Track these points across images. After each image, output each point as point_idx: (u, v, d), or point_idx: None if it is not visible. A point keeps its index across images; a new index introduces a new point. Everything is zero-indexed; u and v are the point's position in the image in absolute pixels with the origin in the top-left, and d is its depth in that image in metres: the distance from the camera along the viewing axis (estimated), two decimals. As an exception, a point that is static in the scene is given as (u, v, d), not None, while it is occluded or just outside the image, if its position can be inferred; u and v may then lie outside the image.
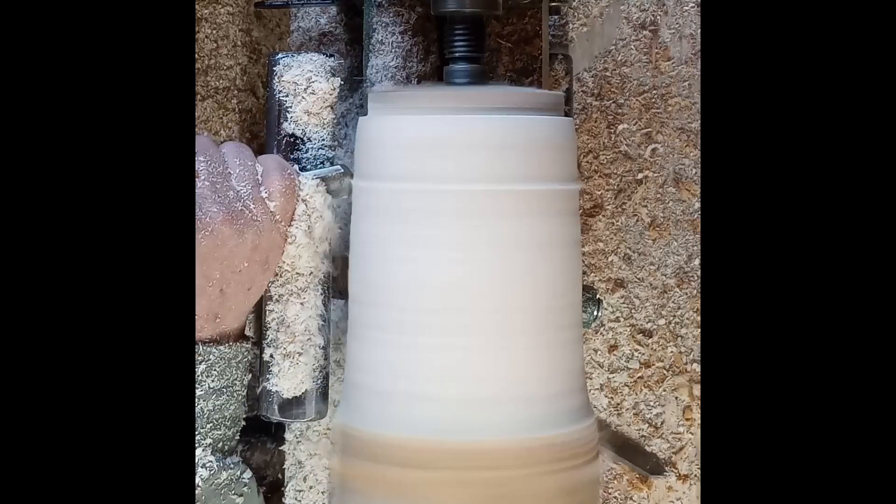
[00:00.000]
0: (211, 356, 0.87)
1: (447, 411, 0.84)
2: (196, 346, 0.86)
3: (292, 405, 0.92)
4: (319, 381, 0.93)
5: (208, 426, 0.87)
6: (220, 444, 0.88)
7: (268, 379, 0.92)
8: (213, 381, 0.87)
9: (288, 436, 1.07)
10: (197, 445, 0.87)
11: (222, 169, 0.87)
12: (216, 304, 0.86)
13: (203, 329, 0.87)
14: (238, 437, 0.90)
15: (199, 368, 0.86)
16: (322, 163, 0.93)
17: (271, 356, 0.91)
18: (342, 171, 0.92)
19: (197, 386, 0.86)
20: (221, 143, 0.91)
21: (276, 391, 0.92)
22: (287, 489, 1.07)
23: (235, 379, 0.89)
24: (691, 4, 1.15)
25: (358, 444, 0.86)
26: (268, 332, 0.91)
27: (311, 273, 0.91)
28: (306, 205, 0.89)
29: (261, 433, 1.07)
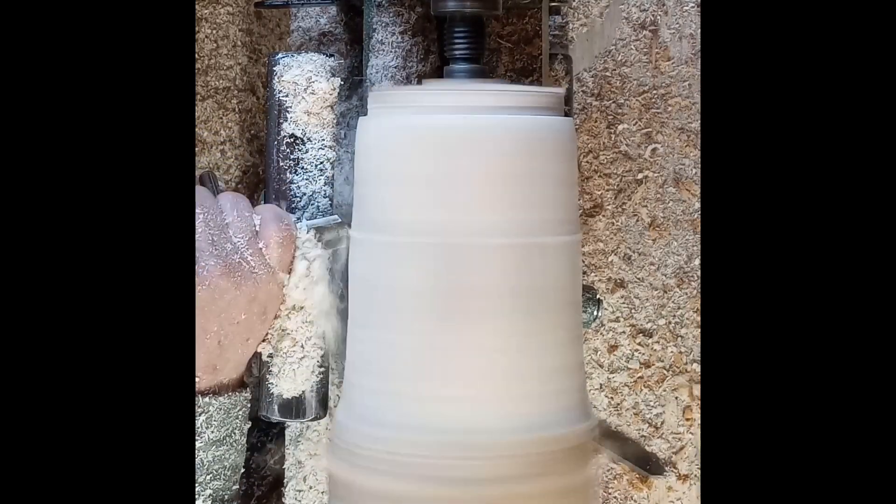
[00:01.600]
0: (210, 408, 0.87)
1: (441, 411, 0.84)
2: (195, 399, 0.86)
3: (292, 405, 0.92)
4: (319, 382, 0.93)
5: (208, 477, 0.88)
6: (220, 495, 0.88)
7: (267, 379, 0.92)
8: (212, 432, 0.88)
9: (288, 436, 1.07)
10: (197, 497, 0.87)
11: (219, 220, 0.87)
12: (214, 356, 0.87)
13: (201, 380, 0.87)
14: (237, 486, 0.91)
15: (199, 420, 0.87)
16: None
17: (270, 356, 0.91)
18: (339, 221, 0.92)
19: (197, 438, 0.87)
20: (219, 193, 0.91)
21: (276, 391, 0.92)
22: (287, 489, 1.07)
23: (235, 428, 0.89)
24: (691, 4, 1.15)
25: (352, 442, 0.86)
26: (268, 332, 0.92)
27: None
28: (304, 257, 0.90)
29: (261, 434, 1.07)
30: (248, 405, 0.91)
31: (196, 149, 1.15)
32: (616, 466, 1.14)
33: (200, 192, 0.88)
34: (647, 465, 1.16)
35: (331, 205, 0.95)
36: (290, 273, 0.89)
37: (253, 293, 0.87)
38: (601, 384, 1.16)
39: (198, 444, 0.87)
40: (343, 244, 0.92)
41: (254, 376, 0.92)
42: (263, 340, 0.90)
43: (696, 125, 1.15)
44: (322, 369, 0.93)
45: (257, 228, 0.89)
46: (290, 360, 0.91)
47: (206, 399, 0.87)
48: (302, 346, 0.90)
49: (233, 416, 0.89)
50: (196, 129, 1.14)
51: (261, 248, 0.88)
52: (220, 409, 0.88)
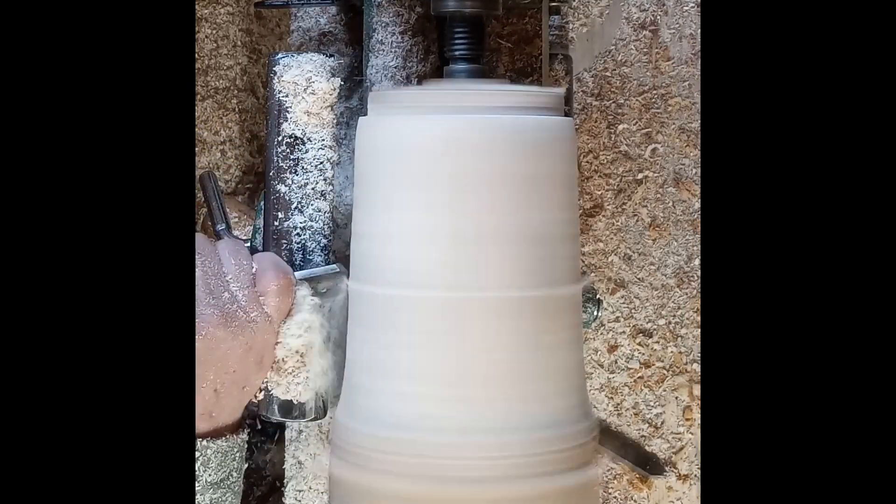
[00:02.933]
0: (208, 451, 0.88)
1: (442, 411, 0.84)
2: (195, 443, 0.87)
3: (292, 405, 0.92)
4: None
5: None
6: None
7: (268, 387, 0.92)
8: (209, 475, 0.88)
9: (288, 436, 1.07)
10: None
11: (217, 269, 0.88)
12: (211, 404, 0.87)
13: (198, 426, 0.87)
14: None
15: (197, 463, 0.87)
16: (319, 182, 0.93)
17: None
18: (336, 271, 0.92)
19: (195, 480, 0.87)
20: (217, 241, 0.91)
21: (276, 393, 0.92)
22: (287, 489, 1.07)
23: (232, 470, 0.89)
24: (691, 4, 1.15)
25: (352, 442, 0.86)
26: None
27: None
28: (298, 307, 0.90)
29: (261, 435, 1.07)
30: (245, 446, 0.91)
31: (196, 149, 1.15)
32: (616, 466, 1.14)
33: (199, 239, 0.88)
34: (647, 465, 1.16)
35: (331, 255, 0.95)
36: (286, 320, 0.90)
37: (250, 343, 0.87)
38: (601, 384, 1.16)
39: (196, 487, 0.87)
40: (341, 294, 0.92)
41: (250, 419, 0.92)
42: (260, 390, 0.91)
43: (696, 125, 1.15)
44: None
45: (255, 276, 0.89)
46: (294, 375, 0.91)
47: (204, 442, 0.87)
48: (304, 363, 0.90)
49: (230, 459, 0.89)
50: (196, 129, 1.14)
51: (258, 297, 0.88)
52: (218, 453, 0.88)
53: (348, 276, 0.90)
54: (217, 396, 0.87)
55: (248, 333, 0.87)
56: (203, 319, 0.85)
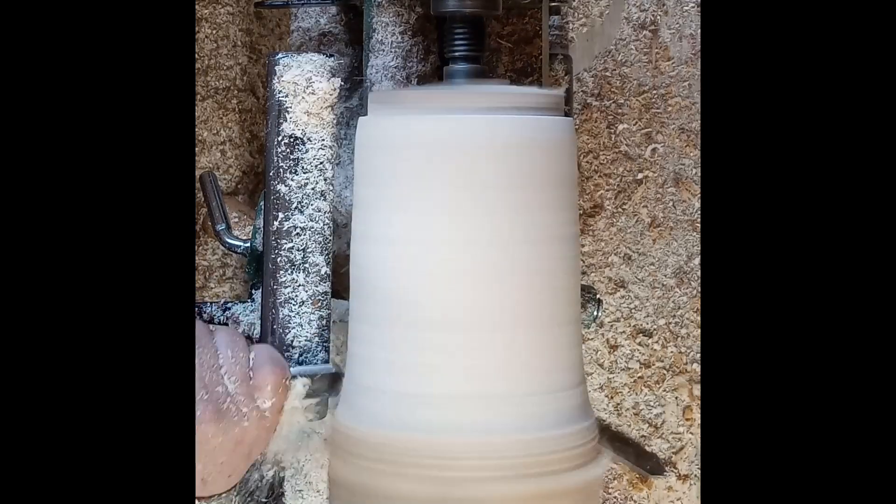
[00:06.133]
0: None
1: (442, 410, 0.84)
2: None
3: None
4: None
5: None
6: None
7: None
8: None
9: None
10: None
11: (213, 361, 0.87)
12: (197, 489, 0.87)
13: None
14: None
15: None
16: (319, 182, 0.93)
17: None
18: (332, 371, 0.92)
19: None
20: (215, 328, 0.91)
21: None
22: (287, 489, 1.07)
23: None
24: (691, 4, 1.15)
25: (355, 443, 0.86)
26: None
27: None
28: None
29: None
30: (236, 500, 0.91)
31: (196, 149, 1.15)
32: (616, 466, 1.14)
33: (198, 328, 0.87)
34: (647, 465, 1.16)
35: (326, 352, 0.95)
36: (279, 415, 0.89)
37: (240, 437, 0.87)
38: (601, 384, 1.16)
39: None
40: (337, 394, 0.91)
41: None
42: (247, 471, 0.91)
43: (696, 125, 1.15)
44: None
45: (251, 370, 0.89)
46: None
47: None
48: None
49: None
50: (196, 129, 1.14)
51: (252, 392, 0.88)
52: None
53: (343, 376, 0.90)
54: (203, 484, 0.87)
55: (239, 430, 0.86)
56: (196, 414, 0.85)
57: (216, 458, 0.86)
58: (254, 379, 0.88)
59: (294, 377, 0.90)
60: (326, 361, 0.93)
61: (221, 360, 0.88)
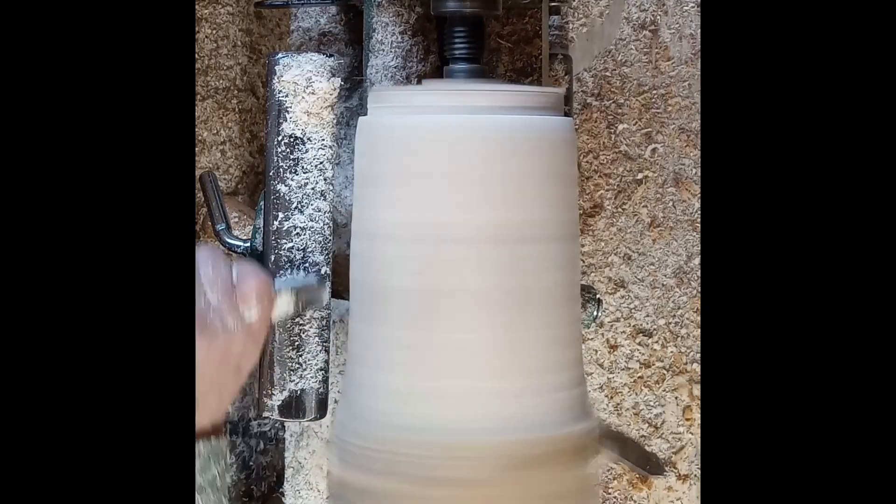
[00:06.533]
0: None
1: (441, 410, 0.84)
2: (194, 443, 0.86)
3: (292, 405, 0.92)
4: (319, 381, 0.93)
5: None
6: None
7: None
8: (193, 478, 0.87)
9: (288, 436, 1.07)
10: None
11: (194, 276, 0.86)
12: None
13: None
14: None
15: None
16: (319, 182, 0.93)
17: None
18: (315, 283, 0.92)
19: None
20: (196, 245, 0.90)
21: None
22: (287, 489, 1.07)
23: (216, 475, 0.88)
24: (691, 4, 1.15)
25: (355, 442, 0.86)
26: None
27: None
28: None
29: (259, 439, 1.07)
30: (228, 450, 0.90)
31: (196, 149, 1.15)
32: (616, 466, 1.14)
33: None
34: (647, 465, 1.16)
35: (317, 272, 0.95)
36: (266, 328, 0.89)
37: (226, 350, 0.86)
38: (601, 384, 1.16)
39: None
40: (322, 304, 0.91)
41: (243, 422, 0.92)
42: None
43: (696, 125, 1.15)
44: (322, 370, 0.93)
45: (234, 282, 0.88)
46: None
47: None
48: None
49: (213, 463, 0.88)
50: (196, 129, 1.14)
51: (236, 304, 0.87)
52: (199, 456, 0.87)
53: (329, 289, 0.90)
54: (195, 402, 0.86)
55: (223, 342, 0.86)
56: None
57: (204, 374, 0.85)
58: (237, 291, 0.87)
59: (278, 290, 0.90)
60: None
61: (202, 275, 0.87)
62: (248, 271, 0.89)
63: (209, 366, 0.85)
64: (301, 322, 0.92)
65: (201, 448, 0.87)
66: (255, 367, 0.90)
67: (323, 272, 0.92)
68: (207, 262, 0.88)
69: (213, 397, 0.87)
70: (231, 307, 0.87)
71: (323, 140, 0.93)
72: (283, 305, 0.90)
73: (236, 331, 0.87)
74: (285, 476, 1.07)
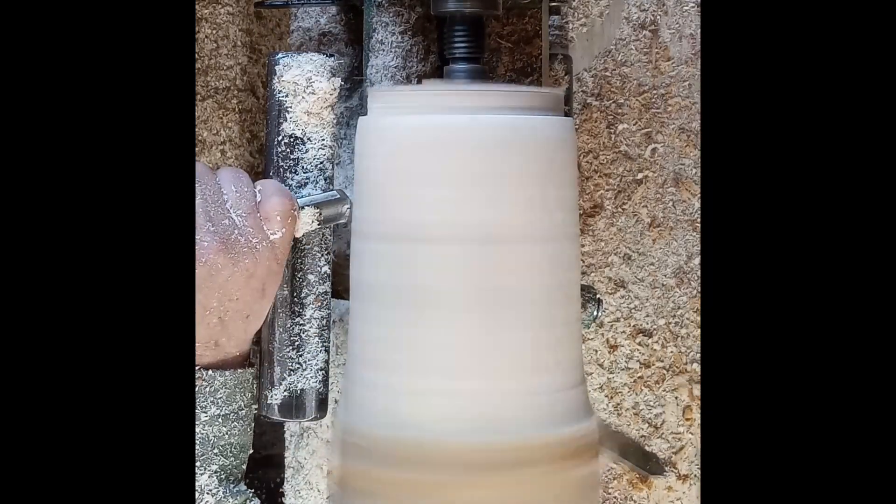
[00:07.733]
0: (215, 381, 0.87)
1: (441, 409, 0.84)
2: (199, 372, 0.86)
3: (292, 405, 0.92)
4: (319, 381, 0.93)
5: (213, 452, 0.87)
6: (226, 472, 0.88)
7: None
8: (217, 407, 0.87)
9: (288, 436, 1.07)
10: (203, 472, 0.86)
11: (217, 196, 0.87)
12: (216, 332, 0.86)
13: (204, 356, 0.87)
14: (245, 466, 0.90)
15: (203, 394, 0.86)
16: (320, 181, 0.93)
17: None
18: (338, 196, 0.92)
19: (202, 412, 0.86)
20: (217, 168, 0.91)
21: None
22: (287, 489, 1.07)
23: (241, 406, 0.88)
24: (691, 4, 1.15)
25: (355, 442, 0.86)
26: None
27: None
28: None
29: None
30: (255, 382, 0.90)
31: (196, 149, 1.15)
32: (616, 466, 1.14)
33: (199, 167, 0.87)
34: (647, 465, 1.16)
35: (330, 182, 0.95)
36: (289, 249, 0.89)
37: (251, 269, 0.86)
38: (601, 384, 1.16)
39: (203, 419, 0.86)
40: (344, 219, 0.92)
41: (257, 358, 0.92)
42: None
43: (696, 125, 1.15)
44: (322, 369, 0.93)
45: (258, 203, 0.88)
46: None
47: (211, 373, 0.87)
48: None
49: (238, 393, 0.88)
50: (196, 129, 1.14)
51: (261, 223, 0.87)
52: (225, 385, 0.87)
53: (349, 202, 0.90)
54: (222, 324, 0.86)
55: (249, 260, 0.86)
56: (202, 247, 0.84)
57: (231, 294, 0.86)
58: (261, 210, 0.88)
59: (302, 208, 0.90)
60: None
61: (226, 195, 0.87)
62: (271, 190, 0.89)
63: (234, 285, 0.86)
64: (301, 322, 0.92)
65: (228, 379, 0.87)
66: (277, 290, 0.90)
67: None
68: (230, 183, 0.88)
69: (240, 323, 0.87)
70: (256, 227, 0.87)
71: (323, 140, 0.93)
72: (307, 222, 0.90)
73: (261, 250, 0.86)
74: (285, 476, 1.07)
